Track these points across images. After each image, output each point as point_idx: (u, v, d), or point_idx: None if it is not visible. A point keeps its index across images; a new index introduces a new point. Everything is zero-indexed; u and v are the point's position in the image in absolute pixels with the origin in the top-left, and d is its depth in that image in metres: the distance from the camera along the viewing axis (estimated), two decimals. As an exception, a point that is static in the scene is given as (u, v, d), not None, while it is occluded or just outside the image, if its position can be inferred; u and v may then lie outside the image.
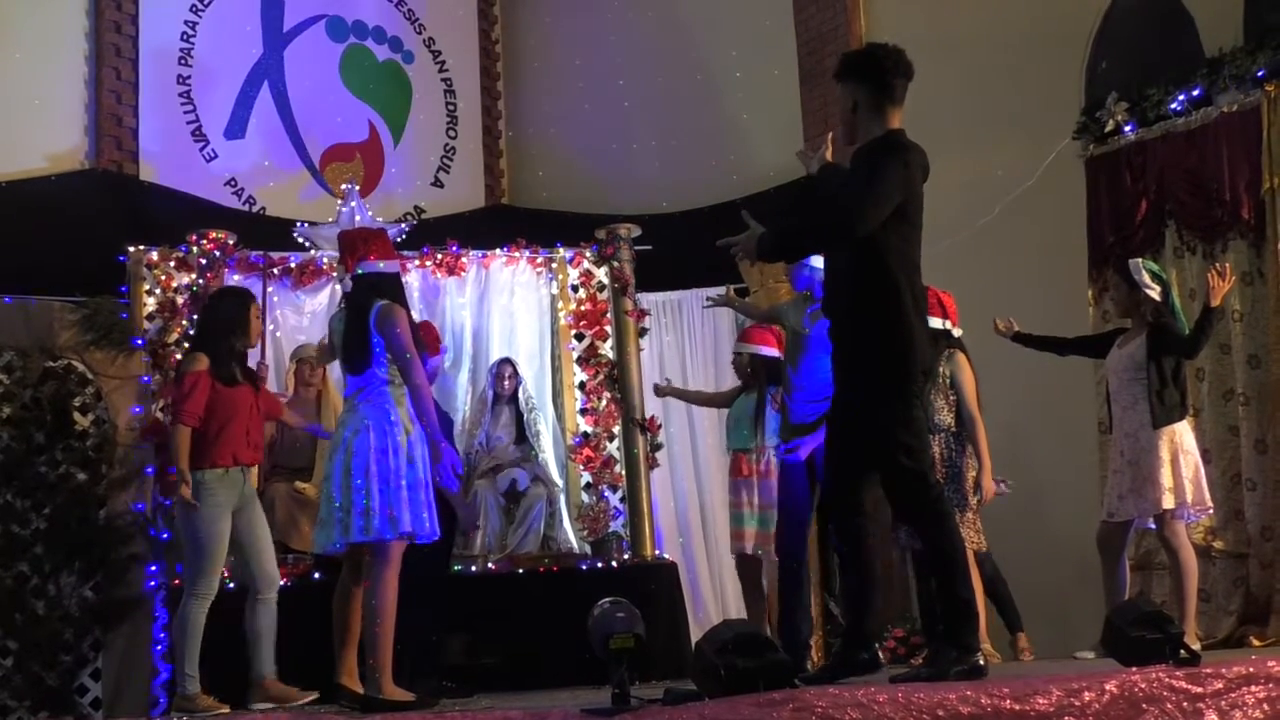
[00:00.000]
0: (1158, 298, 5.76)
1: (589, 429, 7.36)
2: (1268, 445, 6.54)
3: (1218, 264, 6.04)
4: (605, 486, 7.27)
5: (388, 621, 4.54)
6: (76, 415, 6.68)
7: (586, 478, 7.33)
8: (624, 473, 7.27)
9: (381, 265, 4.75)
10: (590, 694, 4.90)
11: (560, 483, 7.36)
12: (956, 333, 6.05)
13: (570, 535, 7.27)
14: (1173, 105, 6.97)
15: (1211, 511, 5.97)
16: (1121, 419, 5.79)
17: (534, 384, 7.51)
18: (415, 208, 9.46)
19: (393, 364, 4.62)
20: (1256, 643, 6.16)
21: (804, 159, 4.45)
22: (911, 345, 4.01)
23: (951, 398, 5.93)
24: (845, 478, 4.12)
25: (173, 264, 6.90)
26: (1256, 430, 6.59)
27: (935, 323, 5.97)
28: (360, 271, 4.72)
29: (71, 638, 6.41)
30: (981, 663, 3.94)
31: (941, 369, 5.91)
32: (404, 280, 4.99)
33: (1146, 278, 5.80)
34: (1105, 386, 6.03)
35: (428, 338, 6.39)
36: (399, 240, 7.48)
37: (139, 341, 6.73)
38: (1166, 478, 5.60)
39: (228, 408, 5.44)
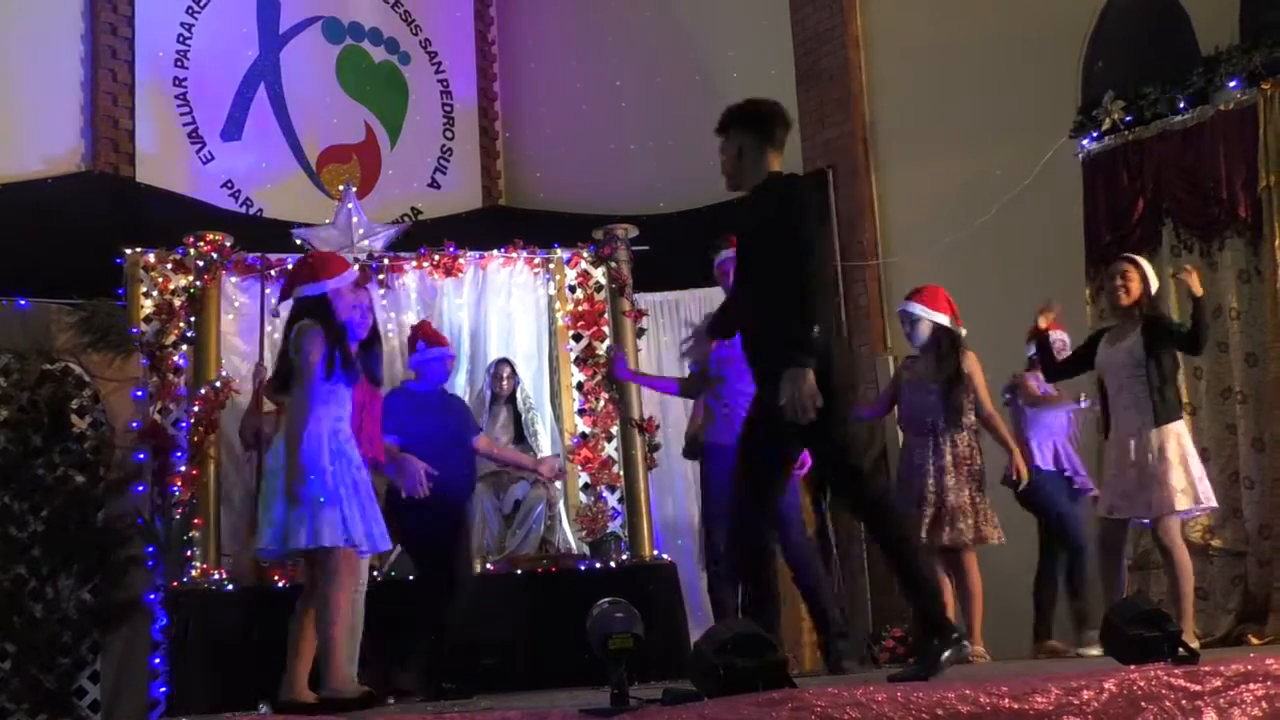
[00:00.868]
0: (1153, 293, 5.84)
1: (587, 429, 7.35)
2: (1265, 443, 6.55)
3: (1185, 266, 6.07)
4: (603, 487, 7.27)
5: (334, 626, 4.66)
6: (74, 417, 6.69)
7: (585, 478, 7.33)
8: (622, 473, 7.26)
9: (313, 289, 4.88)
10: (589, 695, 4.90)
11: (558, 484, 7.35)
12: (962, 331, 6.09)
13: (569, 536, 7.26)
14: (1170, 104, 6.97)
15: (1214, 507, 5.98)
16: (1123, 419, 5.72)
17: (532, 385, 7.50)
18: (412, 209, 9.46)
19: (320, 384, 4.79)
20: (1255, 641, 6.16)
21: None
22: (828, 350, 4.21)
23: (970, 396, 6.03)
24: (759, 491, 4.29)
25: (170, 266, 6.88)
26: (1254, 428, 6.59)
27: (944, 319, 6.04)
28: (296, 296, 4.91)
29: (70, 640, 6.42)
30: (967, 642, 4.12)
31: (965, 368, 6.07)
32: (336, 304, 4.94)
33: (1151, 273, 5.86)
34: (1099, 386, 5.98)
35: (426, 335, 6.38)
36: (397, 240, 7.50)
37: (135, 331, 6.71)
38: (1179, 479, 5.59)
39: None
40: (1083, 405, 6.49)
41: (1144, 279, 5.81)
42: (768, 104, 4.51)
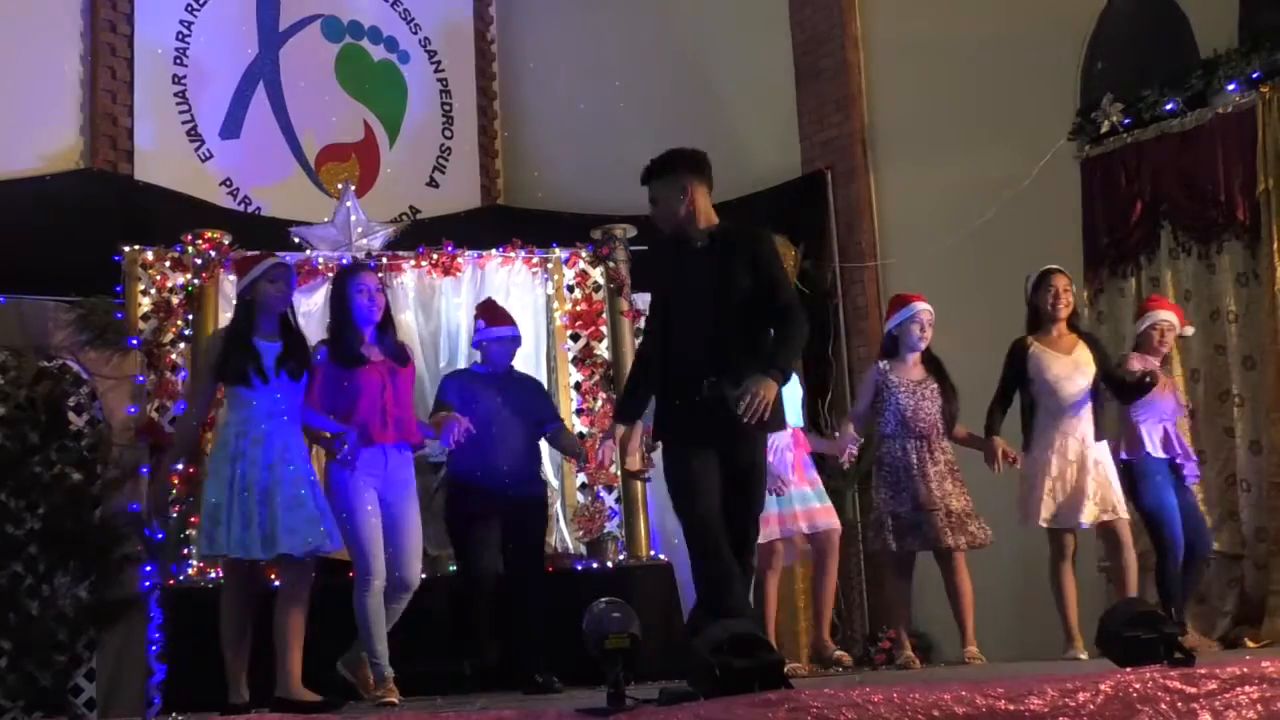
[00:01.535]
0: None
1: (585, 429, 7.35)
2: (1263, 446, 6.56)
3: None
4: (601, 487, 7.26)
5: (223, 633, 4.95)
6: (71, 415, 6.67)
7: (582, 478, 7.32)
8: (619, 473, 7.26)
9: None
10: (586, 694, 4.90)
11: (556, 484, 7.35)
12: None
13: (566, 536, 7.26)
14: (1168, 106, 6.98)
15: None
16: (1072, 427, 5.90)
17: (529, 385, 7.49)
18: (411, 208, 9.45)
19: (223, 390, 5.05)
20: (1251, 644, 6.18)
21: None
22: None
23: None
24: (735, 514, 4.60)
25: (168, 264, 6.88)
26: (1251, 431, 6.60)
27: None
28: None
29: (66, 638, 6.40)
30: None
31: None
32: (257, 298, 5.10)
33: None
34: (1032, 392, 6.03)
35: (485, 312, 6.24)
36: (395, 240, 7.49)
37: (134, 341, 6.72)
38: (1120, 487, 5.90)
39: (351, 390, 5.33)
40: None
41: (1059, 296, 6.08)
42: (696, 149, 4.81)
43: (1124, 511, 5.88)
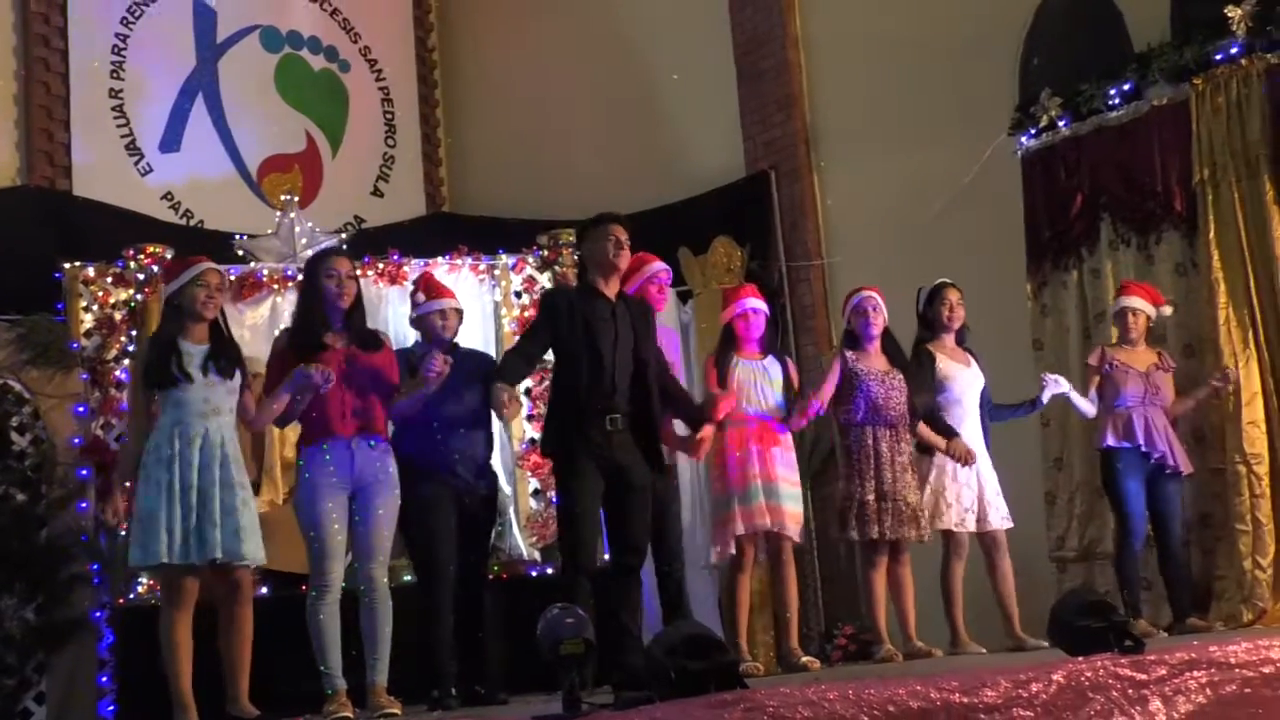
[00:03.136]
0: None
1: (535, 435, 7.33)
2: (1204, 434, 6.64)
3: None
4: (554, 493, 7.23)
5: (164, 651, 4.78)
6: (14, 435, 6.59)
7: (535, 484, 7.31)
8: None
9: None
10: (542, 701, 4.89)
11: (509, 490, 7.32)
12: None
13: (519, 542, 7.24)
14: (1105, 100, 7.05)
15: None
16: (974, 433, 6.20)
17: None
18: (355, 217, 9.39)
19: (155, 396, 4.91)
20: (1198, 623, 6.25)
21: None
22: None
23: None
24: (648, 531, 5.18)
25: (110, 280, 6.80)
26: (1192, 419, 6.67)
27: None
28: None
29: (14, 660, 6.32)
30: None
31: None
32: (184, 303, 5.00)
33: None
34: (928, 399, 6.19)
35: (423, 286, 5.80)
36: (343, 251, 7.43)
37: (75, 345, 6.63)
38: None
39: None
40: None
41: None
42: None
43: (1009, 523, 6.20)
